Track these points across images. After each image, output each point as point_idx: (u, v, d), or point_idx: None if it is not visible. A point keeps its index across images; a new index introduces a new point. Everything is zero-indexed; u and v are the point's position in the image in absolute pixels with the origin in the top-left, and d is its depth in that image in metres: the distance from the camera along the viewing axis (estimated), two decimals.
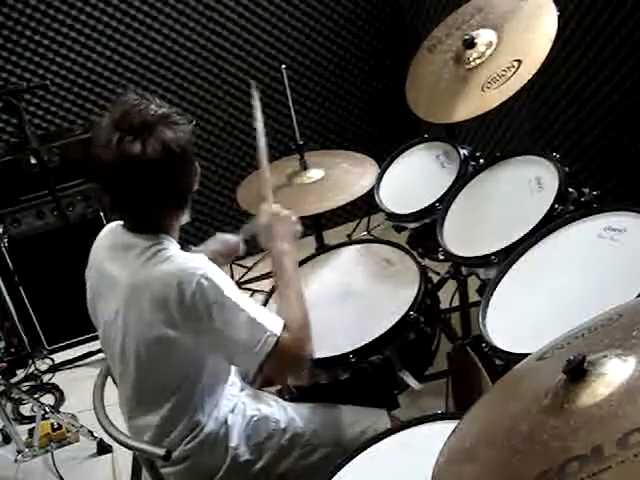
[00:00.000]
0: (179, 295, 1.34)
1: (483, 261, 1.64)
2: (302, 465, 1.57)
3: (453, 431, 1.01)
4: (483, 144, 3.12)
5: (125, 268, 1.42)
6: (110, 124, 1.35)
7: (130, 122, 1.33)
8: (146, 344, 1.41)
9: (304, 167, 2.29)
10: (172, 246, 1.43)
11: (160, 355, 1.42)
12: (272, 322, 1.40)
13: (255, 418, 1.58)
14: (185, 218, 1.52)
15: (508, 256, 1.56)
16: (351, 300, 1.81)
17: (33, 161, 2.91)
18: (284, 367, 1.44)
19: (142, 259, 1.40)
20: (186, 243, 1.85)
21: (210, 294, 1.34)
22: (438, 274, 2.20)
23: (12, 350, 3.18)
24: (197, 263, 1.38)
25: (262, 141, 1.72)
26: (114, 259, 1.47)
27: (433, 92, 2.05)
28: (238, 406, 1.59)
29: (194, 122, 1.44)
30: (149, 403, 1.50)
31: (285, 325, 1.40)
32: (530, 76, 1.74)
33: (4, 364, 3.10)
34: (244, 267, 3.32)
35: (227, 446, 1.53)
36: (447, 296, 2.17)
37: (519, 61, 1.79)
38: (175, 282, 1.34)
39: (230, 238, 1.87)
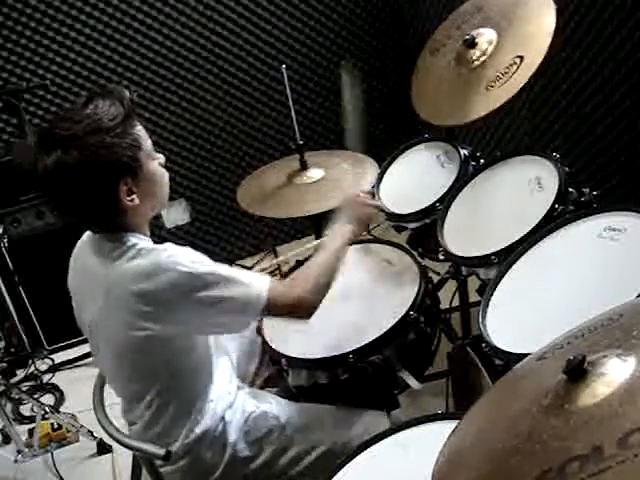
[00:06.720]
0: (154, 286, 1.34)
1: (483, 261, 1.64)
2: (302, 462, 1.57)
3: (453, 431, 1.01)
4: (483, 144, 3.12)
5: (100, 269, 1.42)
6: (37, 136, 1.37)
7: (52, 134, 1.33)
8: (127, 341, 1.41)
9: (304, 167, 2.28)
10: (141, 241, 1.42)
11: (140, 351, 1.41)
12: (258, 281, 1.43)
13: (254, 414, 1.58)
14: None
15: (508, 256, 1.55)
16: (351, 300, 1.80)
17: None
18: (283, 315, 1.49)
19: (113, 257, 1.40)
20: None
21: (186, 280, 1.35)
22: (438, 274, 2.20)
23: (12, 350, 3.18)
24: (167, 252, 1.38)
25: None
26: (92, 262, 1.46)
27: (440, 96, 2.04)
28: (236, 402, 1.58)
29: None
30: (137, 400, 1.51)
31: (272, 280, 1.44)
32: (533, 71, 1.73)
33: (4, 364, 3.10)
34: (244, 267, 3.32)
35: (225, 442, 1.53)
36: (447, 296, 2.17)
37: (521, 57, 1.78)
38: (150, 275, 1.34)
39: None
